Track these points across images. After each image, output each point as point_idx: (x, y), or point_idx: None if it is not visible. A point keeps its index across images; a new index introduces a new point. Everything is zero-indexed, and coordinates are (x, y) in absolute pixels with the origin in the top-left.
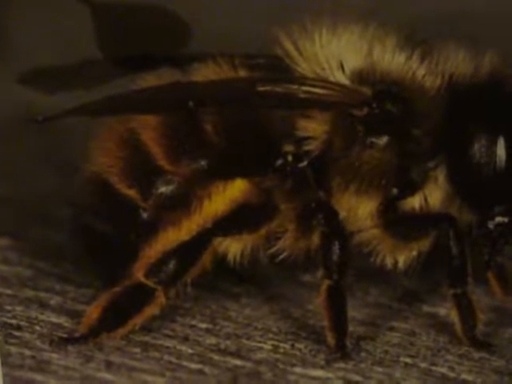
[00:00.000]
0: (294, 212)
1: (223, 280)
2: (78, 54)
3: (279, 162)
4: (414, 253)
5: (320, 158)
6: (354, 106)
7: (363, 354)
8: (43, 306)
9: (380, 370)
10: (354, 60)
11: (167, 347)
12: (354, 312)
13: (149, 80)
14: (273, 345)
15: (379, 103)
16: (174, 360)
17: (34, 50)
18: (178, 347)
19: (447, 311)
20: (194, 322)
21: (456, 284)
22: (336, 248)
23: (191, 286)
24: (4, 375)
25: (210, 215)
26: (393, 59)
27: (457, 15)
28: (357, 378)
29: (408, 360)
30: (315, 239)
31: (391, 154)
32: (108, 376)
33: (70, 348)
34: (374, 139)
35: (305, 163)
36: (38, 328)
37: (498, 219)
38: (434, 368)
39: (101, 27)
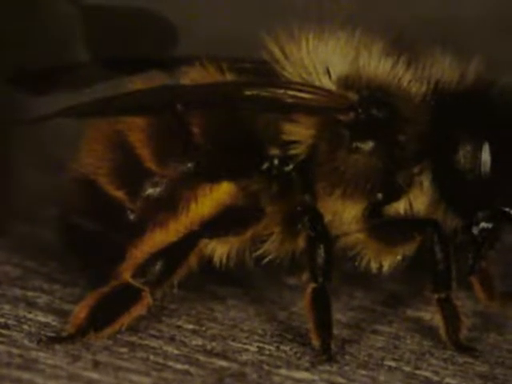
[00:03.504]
0: (279, 215)
1: (209, 282)
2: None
3: (265, 165)
4: (399, 257)
5: (306, 162)
6: (340, 111)
7: (348, 357)
8: (31, 304)
9: (364, 372)
10: (340, 65)
11: (153, 347)
12: (339, 315)
13: (137, 83)
14: (258, 347)
15: (365, 108)
16: (160, 360)
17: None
18: (165, 348)
19: (431, 315)
20: (180, 323)
21: (440, 288)
22: (321, 251)
23: (178, 288)
24: None
25: (196, 217)
26: (379, 65)
27: (443, 19)
28: (341, 380)
29: (392, 363)
30: (300, 242)
31: (376, 158)
32: (95, 375)
33: (57, 347)
34: (359, 144)
35: (291, 167)
36: (25, 327)
37: (483, 225)
38: (418, 372)
39: (89, 30)
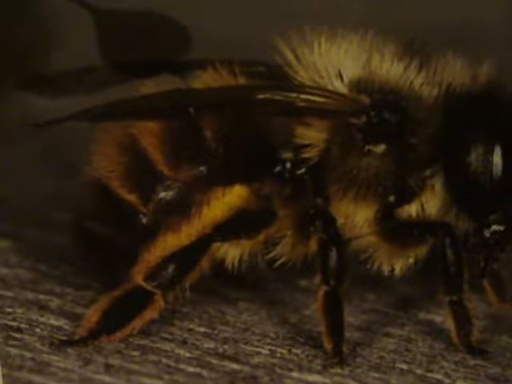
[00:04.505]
0: (291, 218)
1: (221, 285)
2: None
3: (278, 168)
4: (411, 260)
5: (318, 165)
6: (352, 115)
7: (359, 360)
8: (43, 308)
9: (376, 375)
10: (352, 69)
11: (165, 351)
12: (351, 318)
13: (149, 86)
14: (270, 349)
15: (377, 112)
16: (172, 363)
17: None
18: (177, 351)
19: (443, 318)
20: (192, 326)
21: (452, 291)
22: (333, 254)
23: (190, 291)
24: (4, 376)
25: (209, 221)
26: (391, 68)
27: (454, 22)
28: (353, 383)
29: (404, 366)
30: (313, 245)
31: (389, 161)
32: (107, 378)
33: (69, 350)
34: (371, 147)
35: (303, 170)
36: (37, 330)
37: (494, 227)
38: (429, 374)
39: (102, 33)
